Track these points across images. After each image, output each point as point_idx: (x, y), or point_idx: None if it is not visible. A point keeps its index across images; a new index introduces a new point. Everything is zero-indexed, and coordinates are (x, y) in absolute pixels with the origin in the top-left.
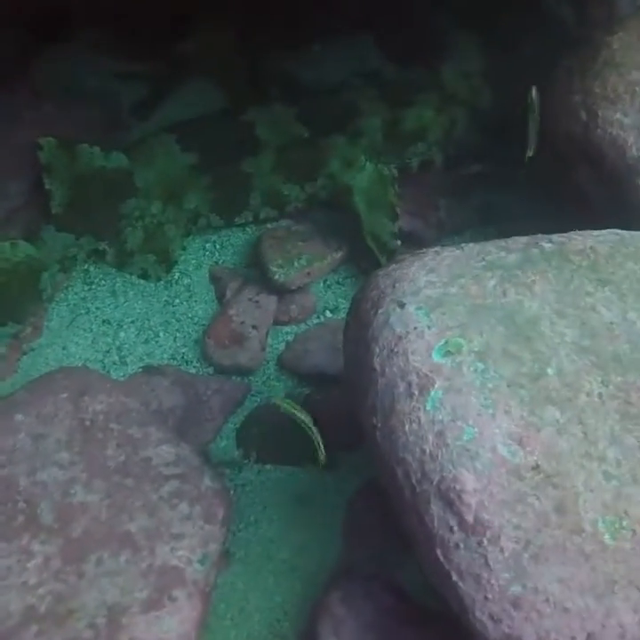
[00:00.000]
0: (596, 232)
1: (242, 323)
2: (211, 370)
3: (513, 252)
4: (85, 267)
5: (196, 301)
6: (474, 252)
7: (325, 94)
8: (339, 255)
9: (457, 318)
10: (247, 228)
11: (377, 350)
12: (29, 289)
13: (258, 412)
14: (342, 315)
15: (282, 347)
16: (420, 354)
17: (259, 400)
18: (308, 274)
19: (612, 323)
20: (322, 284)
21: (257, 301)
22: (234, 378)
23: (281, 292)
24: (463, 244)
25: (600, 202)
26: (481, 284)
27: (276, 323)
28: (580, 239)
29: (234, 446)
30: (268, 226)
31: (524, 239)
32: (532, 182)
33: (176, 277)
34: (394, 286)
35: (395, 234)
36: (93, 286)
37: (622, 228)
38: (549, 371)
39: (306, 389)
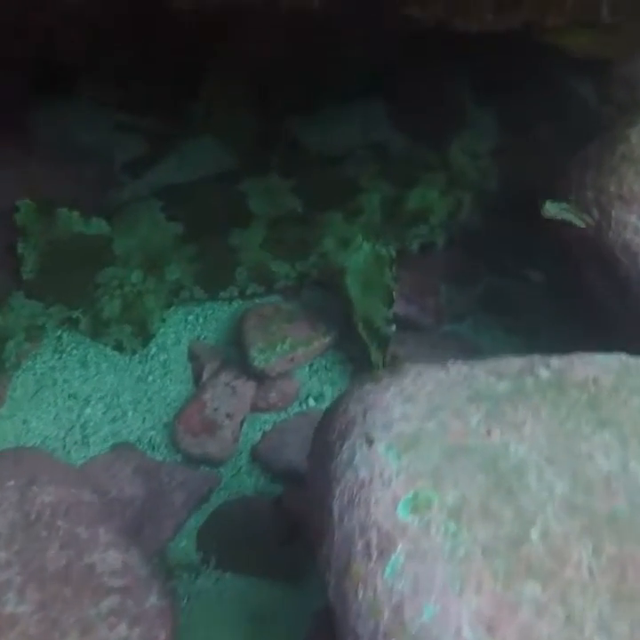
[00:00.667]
0: (600, 357)
1: (215, 409)
2: (179, 457)
3: (504, 378)
4: (58, 333)
5: (170, 380)
6: (460, 376)
7: (327, 165)
8: (327, 340)
9: (431, 462)
10: (233, 302)
11: (337, 493)
12: None
13: (223, 510)
14: (327, 403)
15: (258, 436)
16: (384, 507)
17: (226, 496)
18: (291, 360)
19: (609, 474)
20: (307, 369)
21: (234, 387)
22: (202, 468)
23: (260, 378)
24: (450, 364)
25: (612, 308)
26: (463, 420)
27: (254, 409)
28: (582, 367)
29: (193, 548)
30: (256, 301)
31: (518, 363)
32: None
33: (152, 352)
34: (364, 415)
35: (389, 319)
36: (64, 355)
37: (635, 340)
38: (533, 534)
39: (278, 486)
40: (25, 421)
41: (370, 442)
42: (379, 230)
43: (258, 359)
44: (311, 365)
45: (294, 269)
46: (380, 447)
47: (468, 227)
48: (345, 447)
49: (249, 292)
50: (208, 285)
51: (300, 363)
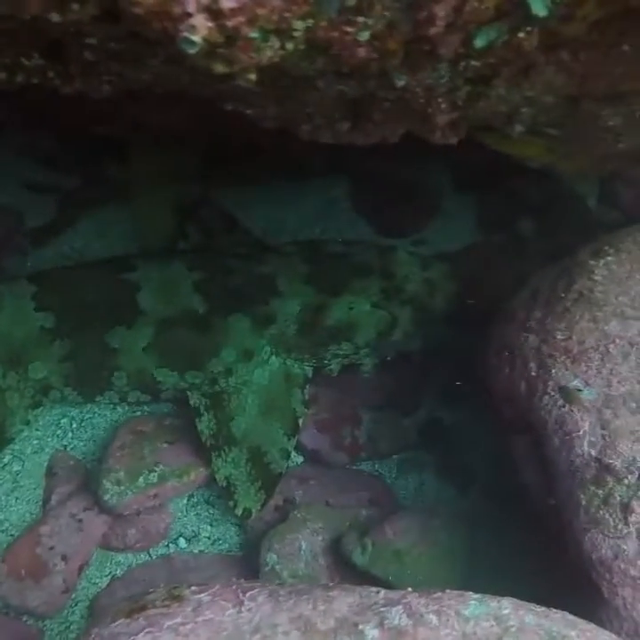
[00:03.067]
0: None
1: (51, 548)
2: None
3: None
4: None
5: (17, 498)
6: (252, 624)
7: (245, 258)
8: (209, 471)
9: None
10: (118, 407)
11: None
12: None
13: None
14: (201, 546)
15: (105, 582)
16: None
17: None
18: (154, 496)
19: None
20: (185, 500)
21: (81, 520)
22: (25, 618)
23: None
24: (248, 598)
25: (538, 495)
26: None
27: (107, 547)
28: None
29: None
30: (145, 408)
31: (346, 606)
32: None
33: (6, 460)
34: None
35: (287, 452)
36: None
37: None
38: None
39: None
40: None
41: None
42: (292, 344)
43: (109, 493)
44: (191, 497)
45: (184, 381)
46: None
47: (405, 346)
48: None
49: (131, 399)
50: (82, 388)
51: (170, 497)
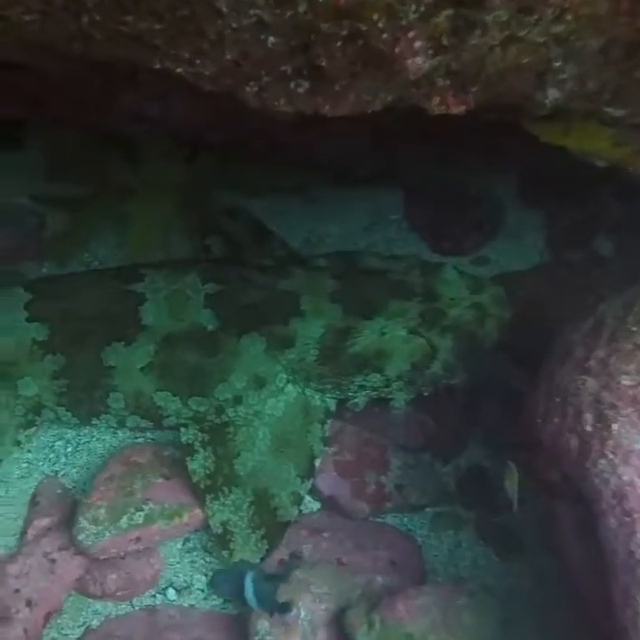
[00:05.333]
0: None
1: (16, 591)
2: None
3: None
4: None
5: None
6: None
7: (268, 271)
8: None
9: None
10: (119, 431)
11: None
12: None
13: None
14: (192, 600)
15: (76, 634)
16: None
17: None
18: (137, 539)
19: None
20: (180, 545)
21: (53, 561)
22: None
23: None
24: None
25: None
26: None
27: (84, 593)
28: None
29: None
30: (148, 434)
31: None
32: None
33: None
34: None
35: (299, 497)
36: None
37: None
38: None
39: None
40: None
41: None
42: (312, 372)
43: (84, 533)
44: (186, 541)
45: (187, 408)
46: None
47: (445, 380)
48: None
49: (130, 424)
50: (76, 409)
51: (157, 541)
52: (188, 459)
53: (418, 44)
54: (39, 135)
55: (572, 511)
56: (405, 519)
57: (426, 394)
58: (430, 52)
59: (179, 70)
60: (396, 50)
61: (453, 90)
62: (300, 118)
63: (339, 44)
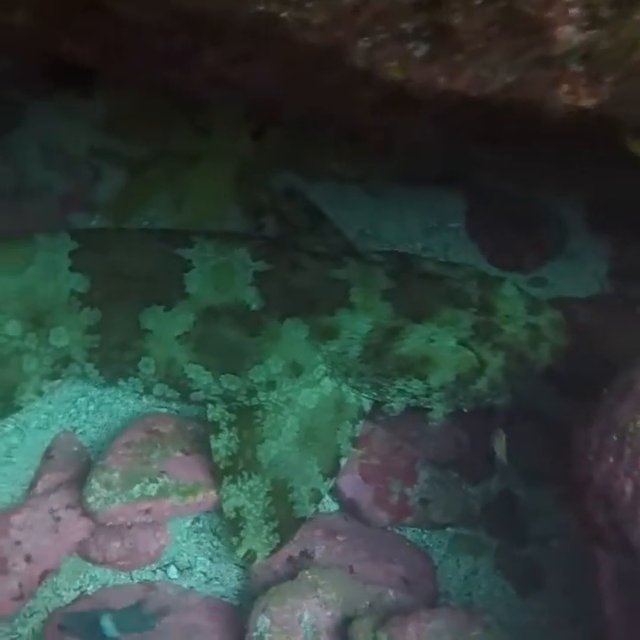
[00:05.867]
0: None
1: (16, 543)
2: None
3: None
4: None
5: (3, 475)
6: None
7: (318, 257)
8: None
9: None
10: (143, 398)
11: None
12: None
13: None
14: (193, 582)
15: (70, 597)
16: None
17: None
18: (147, 511)
19: None
20: (189, 524)
21: (58, 519)
22: None
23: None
24: None
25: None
26: None
27: (85, 556)
28: None
29: None
30: (173, 405)
31: None
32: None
33: (6, 430)
34: None
35: (318, 494)
36: None
37: None
38: None
39: None
40: None
41: None
42: (352, 368)
43: (94, 496)
44: (195, 521)
45: (219, 384)
46: None
47: (489, 399)
48: None
49: (157, 392)
50: (104, 367)
51: (167, 516)
52: (211, 436)
53: (574, 11)
54: (107, 89)
55: (615, 559)
56: (424, 536)
57: (465, 410)
58: (585, 23)
59: (283, 14)
60: (548, 14)
61: (587, 78)
62: (384, 98)
63: (479, 1)
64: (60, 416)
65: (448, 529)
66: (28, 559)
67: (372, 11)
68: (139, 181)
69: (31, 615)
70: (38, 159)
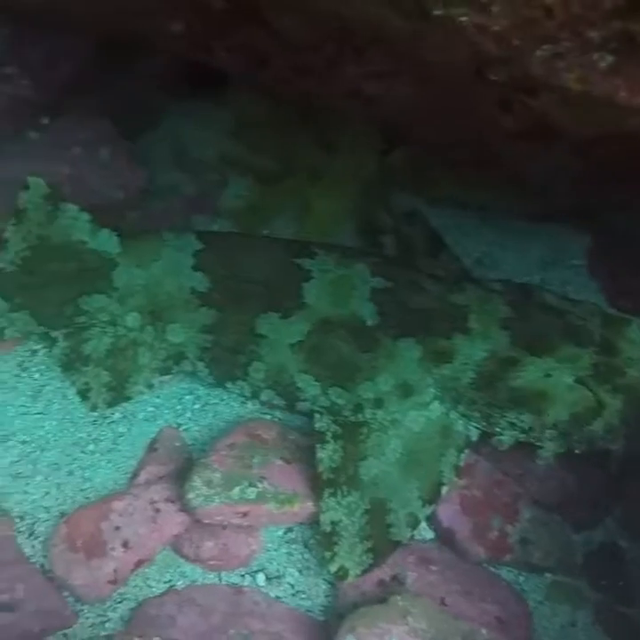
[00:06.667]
0: None
1: (116, 528)
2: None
3: None
4: (36, 348)
5: (109, 461)
6: None
7: (440, 281)
8: (317, 508)
9: None
10: (248, 402)
11: None
12: None
13: None
14: (280, 592)
15: (161, 589)
16: None
17: None
18: (244, 514)
19: None
20: (281, 533)
21: (158, 510)
22: (65, 594)
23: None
24: None
25: None
26: None
27: (178, 551)
28: None
29: None
30: (277, 413)
31: None
32: None
33: (115, 417)
34: None
35: (416, 520)
36: (23, 374)
37: None
38: None
39: None
40: None
41: None
42: (463, 394)
43: (194, 492)
44: (288, 531)
45: (326, 396)
46: None
47: (604, 443)
48: None
49: (264, 397)
50: (215, 368)
51: (263, 522)
52: (318, 445)
53: None
54: (239, 97)
55: None
56: (521, 578)
57: (577, 451)
58: None
59: (463, 19)
60: None
61: None
62: (523, 128)
63: None
64: (167, 411)
65: (546, 574)
66: (125, 545)
67: (563, 17)
68: (264, 191)
69: (121, 601)
70: (170, 161)
